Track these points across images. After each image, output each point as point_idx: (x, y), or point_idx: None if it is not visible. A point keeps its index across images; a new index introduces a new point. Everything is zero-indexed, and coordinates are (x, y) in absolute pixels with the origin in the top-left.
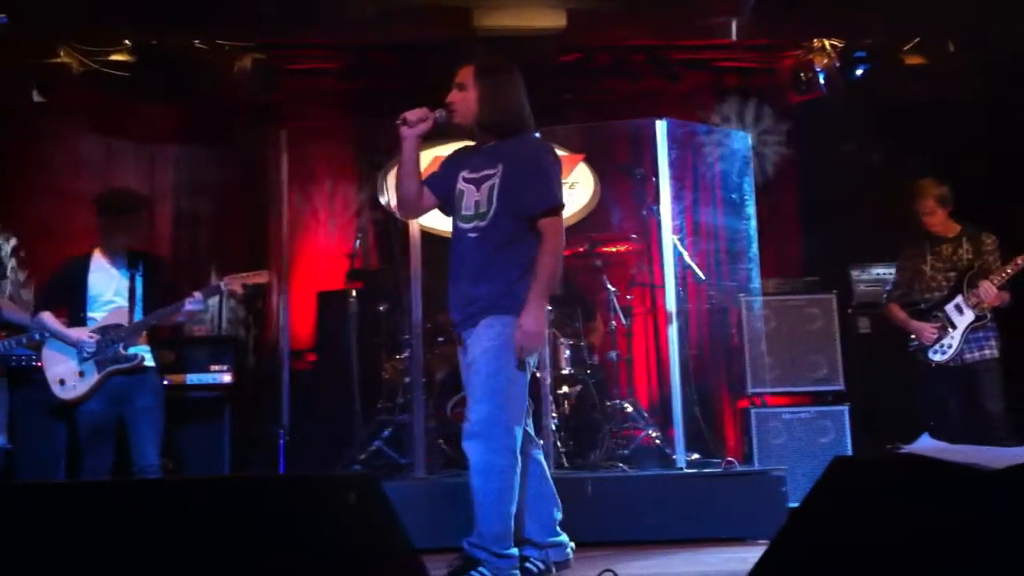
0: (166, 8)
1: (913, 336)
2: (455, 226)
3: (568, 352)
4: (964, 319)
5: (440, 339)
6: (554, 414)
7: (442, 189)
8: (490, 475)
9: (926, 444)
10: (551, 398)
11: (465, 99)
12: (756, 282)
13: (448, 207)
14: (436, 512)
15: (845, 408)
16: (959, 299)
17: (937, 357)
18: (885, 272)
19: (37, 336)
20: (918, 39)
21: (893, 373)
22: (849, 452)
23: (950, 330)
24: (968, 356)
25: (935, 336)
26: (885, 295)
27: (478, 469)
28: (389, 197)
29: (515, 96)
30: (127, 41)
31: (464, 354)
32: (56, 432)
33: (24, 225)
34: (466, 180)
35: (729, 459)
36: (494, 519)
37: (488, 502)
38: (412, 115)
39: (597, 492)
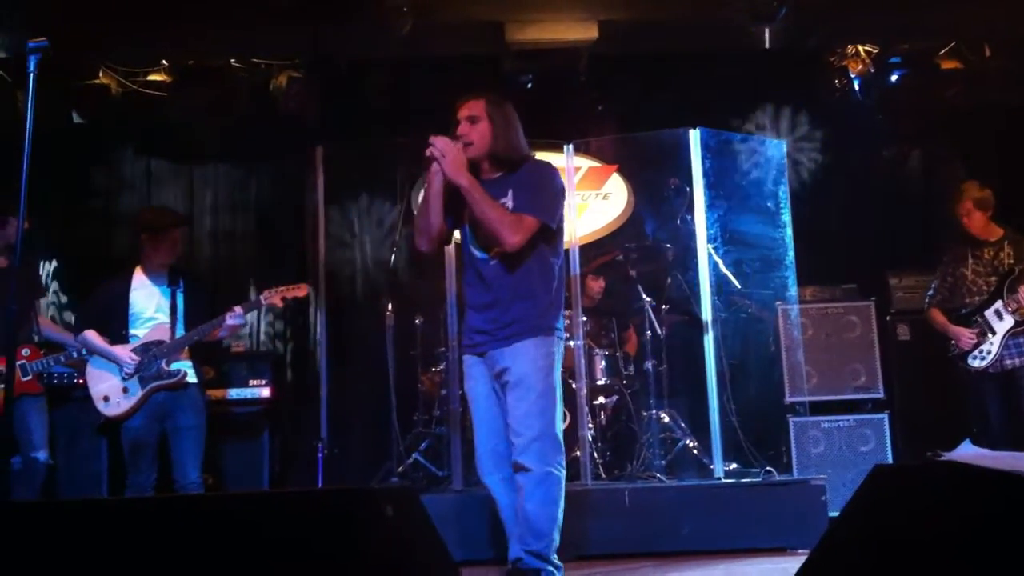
0: (203, 27)
1: (952, 342)
2: (469, 254)
3: (604, 362)
4: (1004, 324)
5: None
6: (590, 425)
7: (452, 222)
8: (549, 487)
9: (967, 451)
10: (587, 409)
11: (479, 132)
12: (793, 290)
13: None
14: (474, 524)
15: (885, 416)
16: (999, 304)
17: (976, 363)
18: (924, 279)
19: (76, 354)
20: (953, 43)
21: (933, 380)
22: (890, 460)
23: (990, 335)
24: (1008, 362)
25: (973, 341)
26: (926, 300)
27: (536, 482)
28: (417, 238)
29: (519, 126)
30: (164, 61)
31: (492, 370)
32: (98, 450)
33: (65, 246)
34: (467, 212)
35: (768, 468)
36: (552, 527)
37: (547, 514)
38: (440, 143)
39: (634, 503)
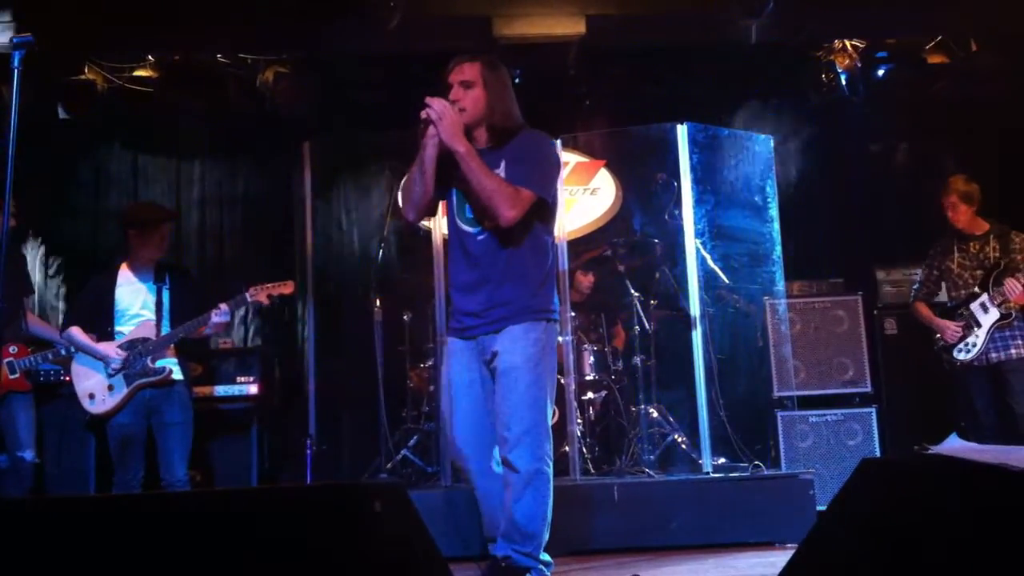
0: (189, 23)
1: (938, 335)
2: (456, 228)
3: (592, 358)
4: (989, 317)
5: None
6: (579, 420)
7: (439, 191)
8: (539, 487)
9: (954, 445)
10: (576, 404)
11: (473, 98)
12: (780, 285)
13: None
14: (463, 520)
15: (872, 410)
16: (984, 297)
17: (962, 356)
18: (911, 273)
19: (63, 351)
20: (940, 38)
21: (920, 374)
22: (877, 454)
23: (975, 329)
24: (994, 355)
25: (959, 335)
26: (912, 293)
27: (525, 482)
28: (404, 206)
29: (513, 93)
30: (151, 57)
31: (483, 356)
32: (85, 447)
33: (51, 242)
34: (461, 182)
35: (756, 463)
36: (542, 527)
37: (538, 514)
38: (437, 105)
39: (623, 498)
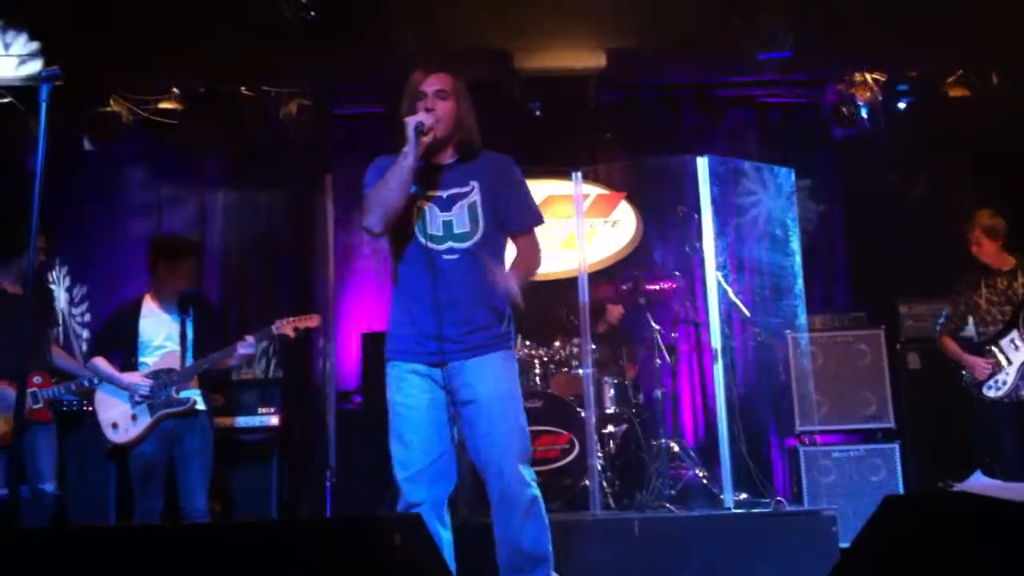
0: (213, 56)
1: (965, 371)
2: (419, 244)
3: (613, 391)
4: (1020, 354)
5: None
6: (599, 453)
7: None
8: (537, 513)
9: (979, 482)
10: (596, 437)
11: (449, 109)
12: (802, 318)
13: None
14: (480, 552)
15: (896, 445)
16: (1015, 334)
17: (992, 393)
18: (934, 307)
19: (86, 383)
20: (960, 71)
21: (944, 409)
22: (901, 490)
23: (1005, 365)
24: None
25: (988, 371)
26: (938, 327)
27: (526, 506)
28: (371, 216)
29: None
30: (175, 89)
31: (447, 383)
32: (107, 477)
33: (76, 269)
34: (424, 197)
35: (778, 499)
36: (549, 547)
37: (543, 535)
38: (428, 120)
39: (644, 533)
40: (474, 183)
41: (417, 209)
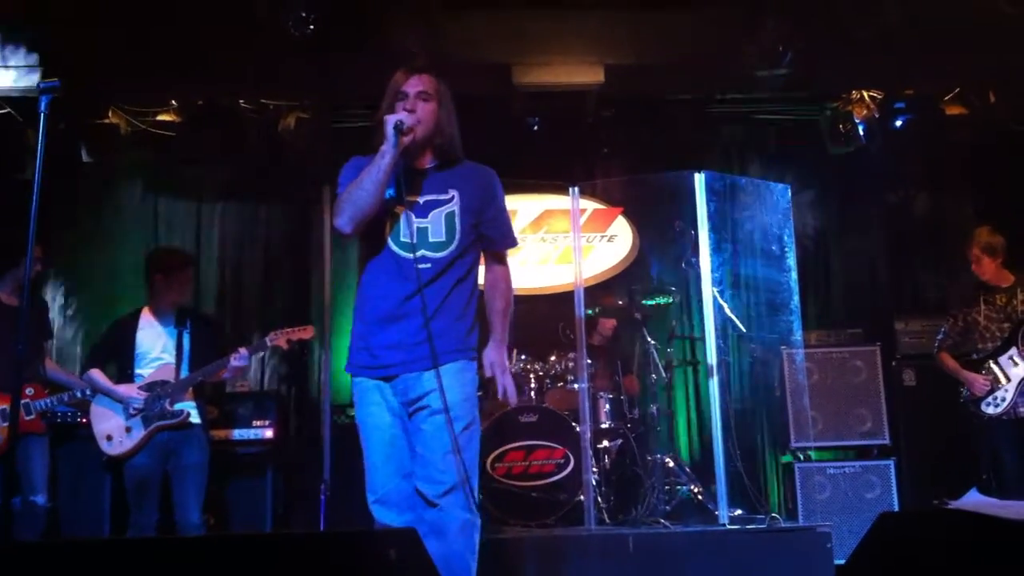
0: (211, 69)
1: (964, 388)
2: (389, 253)
3: (608, 406)
4: (1019, 371)
5: (479, 393)
6: (594, 468)
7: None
8: (472, 533)
9: (975, 500)
10: (591, 452)
11: (431, 112)
12: (798, 334)
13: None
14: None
15: (891, 462)
16: (1013, 351)
17: (991, 410)
18: (930, 323)
19: (79, 394)
20: (958, 89)
21: (939, 426)
22: (896, 507)
23: (1004, 382)
24: (1023, 409)
25: (987, 388)
26: (936, 343)
27: (461, 526)
28: (342, 216)
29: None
30: (174, 102)
31: (404, 395)
32: (100, 489)
33: (72, 285)
34: (399, 202)
35: (773, 515)
36: None
37: (471, 564)
38: (409, 120)
39: (639, 548)
40: (454, 192)
41: (391, 214)
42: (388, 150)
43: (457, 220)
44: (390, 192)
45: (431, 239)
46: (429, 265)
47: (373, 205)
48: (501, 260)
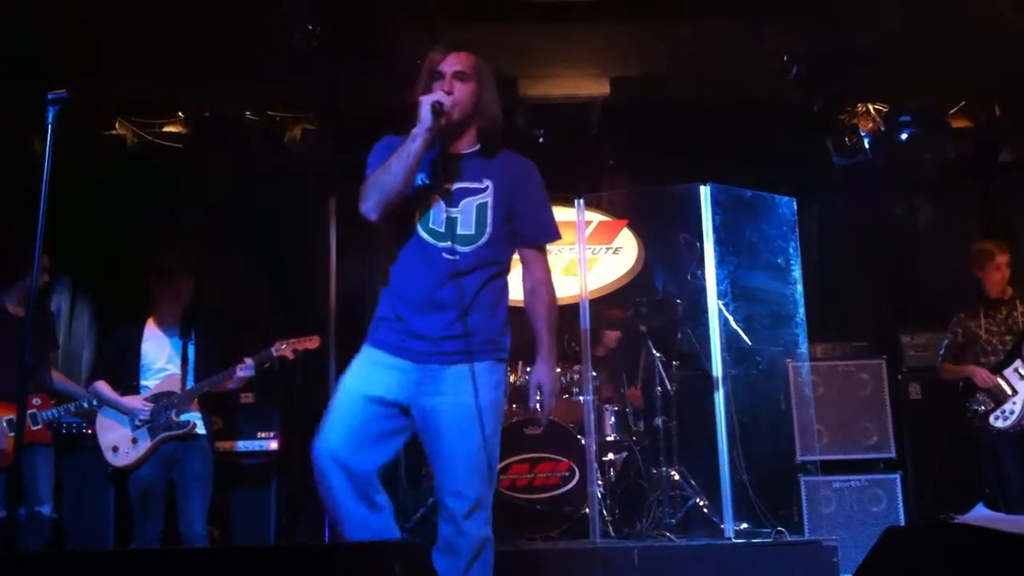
0: (219, 80)
1: (971, 401)
2: (418, 241)
3: (613, 418)
4: None
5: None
6: (599, 481)
7: None
8: (488, 553)
9: (981, 514)
10: (596, 465)
11: (469, 92)
12: (804, 347)
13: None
14: None
15: (897, 476)
16: (1018, 363)
17: (999, 424)
18: (936, 336)
19: (86, 404)
20: (963, 102)
21: (946, 440)
22: (902, 521)
23: (1011, 395)
24: None
25: (990, 384)
26: (939, 357)
27: (477, 544)
28: (369, 200)
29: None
30: (180, 113)
31: (417, 384)
32: (104, 500)
33: (78, 291)
34: (431, 187)
35: (779, 528)
36: None
37: None
38: (447, 101)
39: (644, 561)
40: (488, 182)
41: (421, 199)
42: (420, 133)
43: (489, 212)
44: (422, 178)
45: (460, 231)
46: (456, 257)
47: (400, 191)
48: (537, 260)
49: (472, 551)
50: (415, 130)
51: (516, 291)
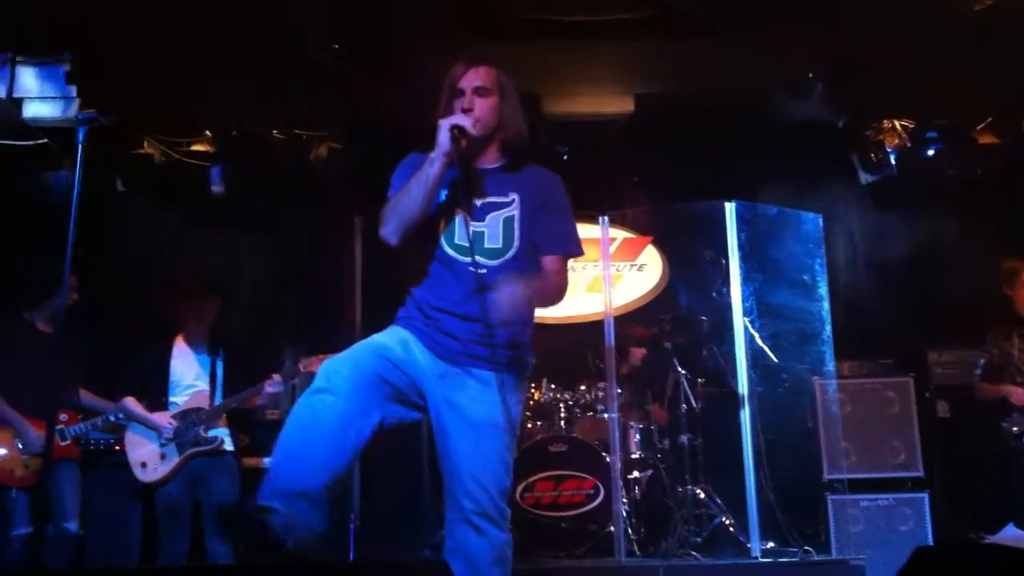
0: (246, 100)
1: (1006, 421)
2: (443, 256)
3: (638, 436)
4: None
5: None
6: (625, 499)
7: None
8: (508, 553)
9: (1012, 534)
10: (621, 482)
11: (490, 108)
12: (830, 365)
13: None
14: None
15: (925, 495)
16: None
17: None
18: (964, 354)
19: (112, 418)
20: (990, 119)
21: (974, 459)
22: (930, 541)
23: None
24: None
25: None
26: (976, 377)
27: (499, 546)
28: (388, 225)
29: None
30: (208, 132)
31: (442, 378)
32: (131, 516)
33: (105, 310)
34: (455, 203)
35: (806, 548)
36: None
37: None
38: (466, 123)
39: None
40: (515, 195)
41: (445, 215)
42: (438, 157)
43: (516, 225)
44: (444, 194)
45: (487, 244)
46: (484, 271)
47: (420, 215)
48: (558, 270)
49: (494, 551)
50: (433, 154)
51: (550, 309)
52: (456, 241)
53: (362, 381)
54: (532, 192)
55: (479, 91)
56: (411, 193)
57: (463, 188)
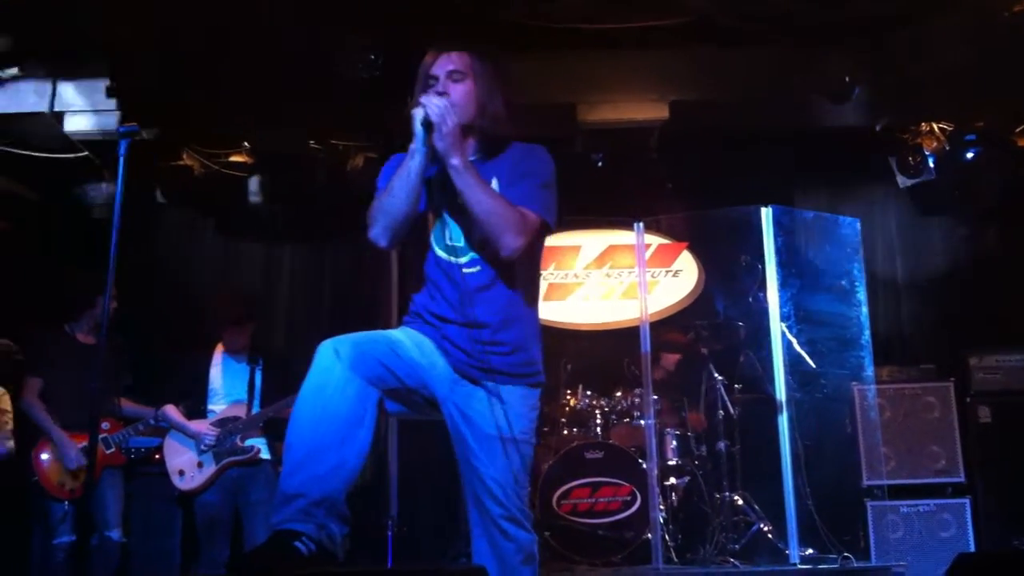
0: (283, 111)
1: None
2: (436, 261)
3: (675, 442)
4: None
5: (545, 428)
6: (662, 506)
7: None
8: (535, 558)
9: None
10: (658, 489)
11: (464, 93)
12: (869, 370)
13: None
14: None
15: (966, 501)
16: None
17: None
18: (1004, 359)
19: (152, 422)
20: None
21: (1016, 465)
22: (971, 547)
23: None
24: None
25: None
26: None
27: (527, 548)
28: (376, 226)
29: (505, 93)
30: (246, 143)
31: (451, 384)
32: (172, 525)
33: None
34: (440, 203)
35: (845, 555)
36: None
37: None
38: (437, 106)
39: None
40: (495, 180)
41: (433, 215)
42: (416, 150)
43: None
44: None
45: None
46: (477, 269)
47: (408, 213)
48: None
49: (522, 552)
50: (412, 146)
51: (573, 314)
52: (447, 242)
53: (364, 362)
54: (508, 168)
55: (452, 75)
56: (394, 190)
57: (446, 183)
